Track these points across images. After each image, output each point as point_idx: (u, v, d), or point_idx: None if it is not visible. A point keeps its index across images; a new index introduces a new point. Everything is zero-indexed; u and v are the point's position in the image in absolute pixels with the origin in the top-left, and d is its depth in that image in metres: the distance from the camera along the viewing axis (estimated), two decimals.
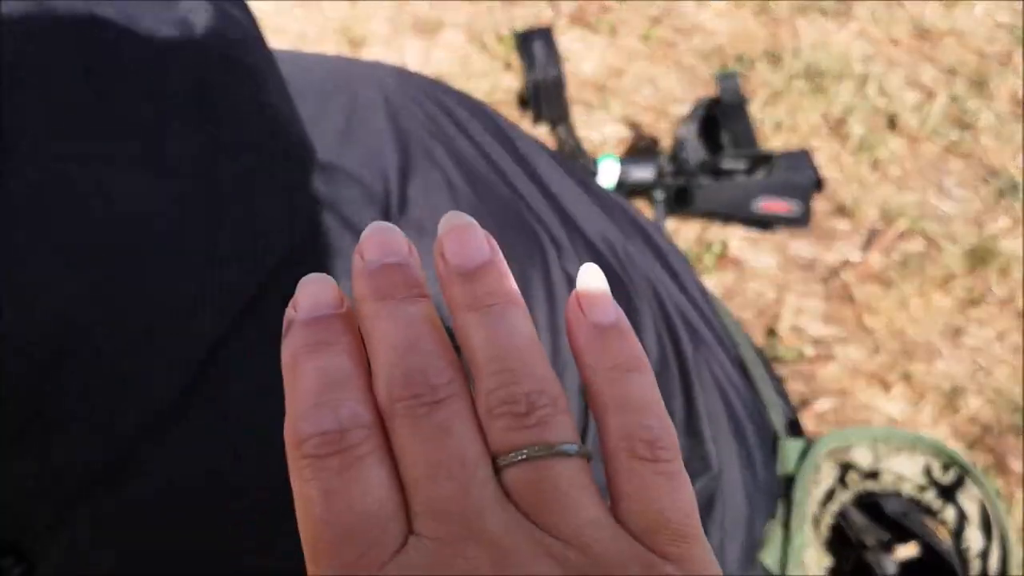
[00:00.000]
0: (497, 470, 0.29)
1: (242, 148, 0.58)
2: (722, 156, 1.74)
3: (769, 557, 0.77)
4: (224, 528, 0.57)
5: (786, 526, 0.78)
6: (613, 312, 0.32)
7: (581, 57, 2.26)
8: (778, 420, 0.84)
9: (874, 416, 1.72)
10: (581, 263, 0.74)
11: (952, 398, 1.73)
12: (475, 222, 0.33)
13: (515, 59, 2.26)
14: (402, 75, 0.77)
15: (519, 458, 0.29)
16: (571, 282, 0.71)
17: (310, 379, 0.30)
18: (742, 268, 1.91)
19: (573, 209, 0.78)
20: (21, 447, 0.54)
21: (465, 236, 0.32)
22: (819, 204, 1.98)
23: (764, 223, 1.94)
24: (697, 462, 0.75)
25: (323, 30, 2.21)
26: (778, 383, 0.90)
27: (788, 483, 0.79)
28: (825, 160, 2.08)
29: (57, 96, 0.53)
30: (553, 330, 0.68)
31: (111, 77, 0.55)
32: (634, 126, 2.16)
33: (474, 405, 0.30)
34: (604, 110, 2.17)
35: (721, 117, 1.76)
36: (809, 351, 1.80)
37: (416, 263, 0.32)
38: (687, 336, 0.78)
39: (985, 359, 1.78)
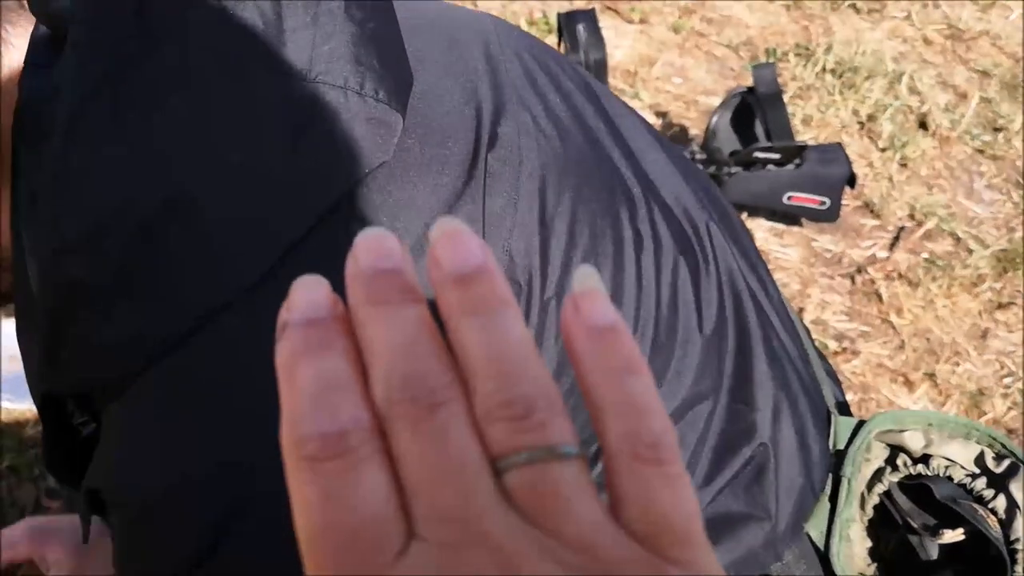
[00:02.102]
0: (497, 473, 0.29)
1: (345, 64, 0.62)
2: (755, 146, 1.73)
3: (814, 529, 0.77)
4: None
5: (833, 500, 0.77)
6: (610, 314, 0.31)
7: (612, 44, 2.25)
8: (830, 398, 0.83)
9: None
10: (655, 223, 0.73)
11: (977, 400, 1.72)
12: (467, 227, 0.32)
13: (550, 41, 2.24)
14: (500, 25, 0.78)
15: (519, 461, 0.29)
16: (640, 240, 0.71)
17: (308, 382, 0.30)
18: (767, 259, 1.90)
19: (653, 171, 0.78)
20: (115, 308, 0.59)
21: (458, 241, 0.32)
22: (846, 200, 1.97)
23: (791, 216, 1.93)
24: (741, 430, 0.75)
25: None
26: (827, 363, 0.89)
27: (838, 459, 0.78)
28: (854, 157, 2.06)
29: None
30: (616, 286, 0.68)
31: None
32: (663, 114, 2.14)
33: (471, 409, 0.30)
34: (634, 97, 2.16)
35: (756, 107, 1.75)
36: (833, 345, 1.79)
37: (410, 268, 0.32)
38: (752, 305, 0.78)
39: (1012, 362, 1.77)
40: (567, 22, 1.62)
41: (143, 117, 0.57)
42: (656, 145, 0.81)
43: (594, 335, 0.31)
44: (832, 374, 0.88)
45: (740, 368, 0.75)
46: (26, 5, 0.66)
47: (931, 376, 1.75)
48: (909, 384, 1.75)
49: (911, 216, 2.00)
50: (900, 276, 1.89)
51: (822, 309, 1.84)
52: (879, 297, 1.86)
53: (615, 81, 2.17)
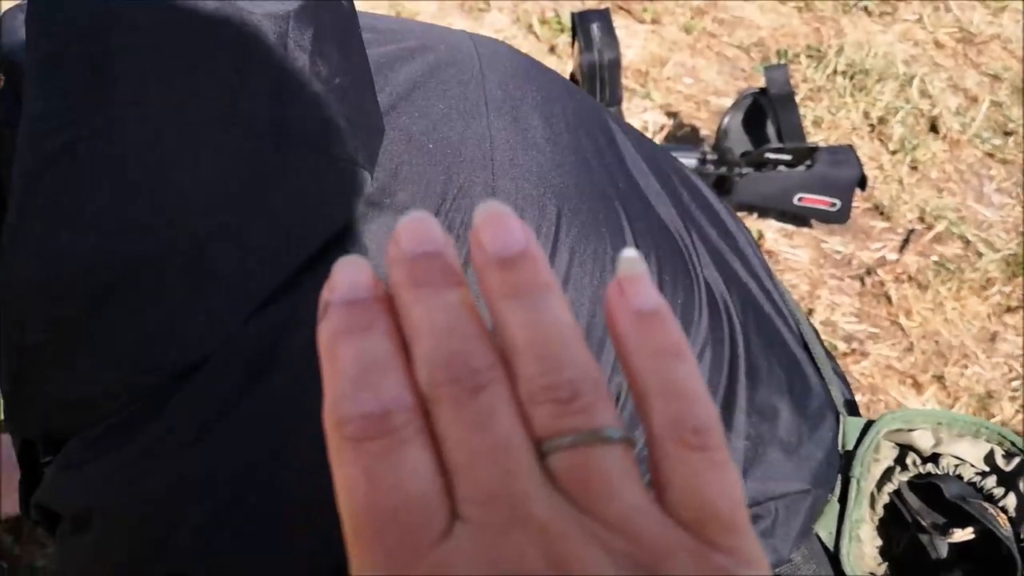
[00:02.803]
0: (541, 456, 0.29)
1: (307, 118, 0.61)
2: (766, 147, 1.73)
3: (823, 530, 0.77)
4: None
5: (843, 501, 0.77)
6: (655, 297, 0.32)
7: (624, 44, 2.25)
8: (838, 398, 0.83)
9: None
10: (636, 236, 0.74)
11: (985, 402, 1.72)
12: (511, 211, 0.32)
13: (560, 42, 2.25)
14: (504, 62, 0.78)
15: (564, 444, 0.29)
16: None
17: (350, 362, 0.30)
18: (777, 260, 1.90)
19: (648, 192, 0.79)
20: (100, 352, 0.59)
21: (502, 224, 0.32)
22: (856, 202, 1.97)
23: (801, 217, 1.93)
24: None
25: (374, 6, 2.21)
26: (835, 363, 0.90)
27: (847, 459, 0.79)
28: (864, 159, 2.06)
29: (156, 48, 0.58)
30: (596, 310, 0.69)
31: (200, 35, 0.59)
32: (674, 114, 2.15)
33: (515, 391, 0.30)
34: (645, 97, 2.17)
35: (768, 108, 1.75)
36: (842, 346, 1.80)
37: (452, 251, 0.32)
38: (752, 318, 0.78)
39: (1020, 365, 1.77)
40: (581, 21, 1.63)
41: (100, 182, 0.57)
42: (642, 159, 0.82)
43: (639, 319, 0.31)
44: (840, 374, 0.88)
45: (728, 390, 0.76)
46: None
47: (939, 378, 1.75)
48: (917, 386, 1.75)
49: (921, 219, 2.00)
50: (909, 278, 1.90)
51: (831, 310, 1.84)
52: (888, 299, 1.87)
53: (626, 81, 2.17)
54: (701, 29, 2.35)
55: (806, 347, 0.85)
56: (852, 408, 0.85)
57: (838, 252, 1.94)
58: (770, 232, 1.94)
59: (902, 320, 1.83)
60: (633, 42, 2.28)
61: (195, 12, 0.59)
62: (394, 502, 0.28)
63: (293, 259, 0.59)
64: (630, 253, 0.32)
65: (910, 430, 0.78)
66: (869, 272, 1.91)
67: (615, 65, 1.58)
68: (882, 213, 2.01)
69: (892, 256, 1.94)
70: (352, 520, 0.28)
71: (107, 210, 0.57)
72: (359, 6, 0.70)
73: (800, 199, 1.82)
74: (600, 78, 1.58)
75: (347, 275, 0.32)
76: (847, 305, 1.86)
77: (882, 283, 1.89)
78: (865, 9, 2.47)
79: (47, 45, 0.59)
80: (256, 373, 0.59)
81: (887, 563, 0.79)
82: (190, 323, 0.58)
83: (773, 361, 0.79)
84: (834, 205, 1.83)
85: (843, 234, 1.96)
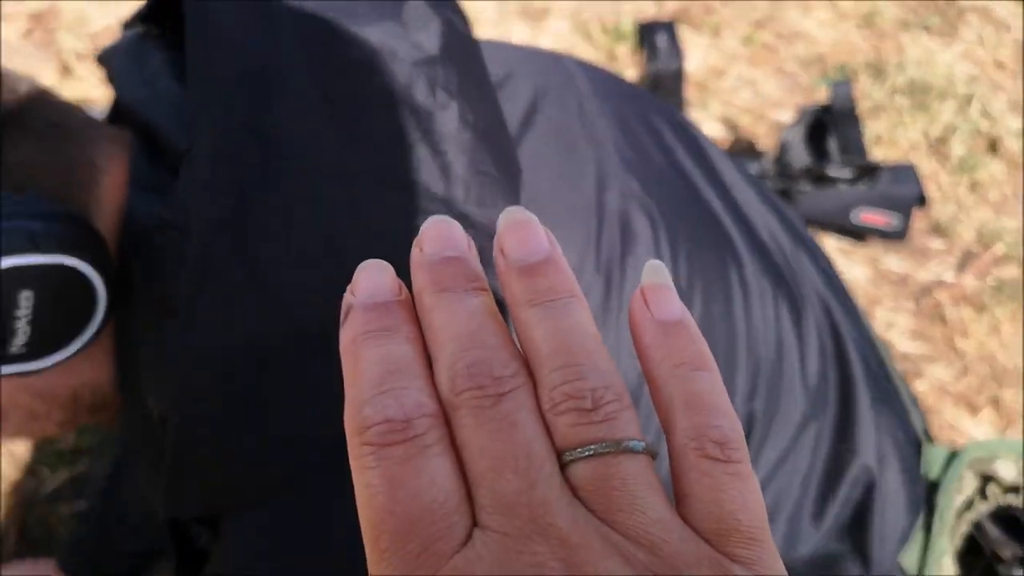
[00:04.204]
0: (562, 465, 0.29)
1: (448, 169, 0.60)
2: (827, 163, 1.73)
3: (907, 559, 0.77)
4: None
5: (927, 530, 0.77)
6: (679, 309, 0.31)
7: (683, 54, 2.26)
8: (918, 424, 0.83)
9: (959, 437, 1.70)
10: (756, 267, 0.74)
11: None
12: (535, 218, 0.32)
13: (620, 50, 2.26)
14: (589, 73, 0.77)
15: (586, 454, 0.28)
16: (747, 288, 0.71)
17: (373, 366, 0.30)
18: None
19: (745, 207, 0.78)
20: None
21: (525, 231, 0.32)
22: (915, 221, 1.96)
23: (859, 234, 1.92)
24: (843, 473, 0.75)
25: None
26: (908, 388, 0.90)
27: (931, 488, 0.79)
28: (924, 178, 2.05)
29: (315, 104, 0.58)
30: (730, 334, 0.69)
31: (351, 91, 0.59)
32: (732, 127, 2.15)
33: (537, 399, 0.30)
34: (703, 109, 2.17)
35: (831, 124, 1.75)
36: (896, 366, 1.78)
37: (475, 257, 0.32)
38: (852, 342, 0.78)
39: None
40: (647, 32, 1.63)
41: (268, 251, 0.57)
42: (743, 179, 0.81)
43: (663, 330, 0.31)
44: (914, 400, 0.88)
45: (843, 412, 0.75)
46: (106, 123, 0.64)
47: (995, 401, 1.74)
48: (972, 408, 1.74)
49: (979, 240, 1.98)
50: (966, 300, 1.88)
51: (887, 329, 1.83)
52: (944, 320, 1.85)
53: (684, 91, 2.17)
54: (760, 43, 2.35)
55: (888, 378, 0.86)
56: (927, 437, 0.85)
57: (895, 272, 1.93)
58: (827, 249, 1.93)
59: (958, 341, 1.82)
60: (692, 53, 2.28)
61: (346, 68, 0.58)
62: (415, 509, 0.27)
63: None
64: (654, 263, 0.32)
65: (993, 459, 0.78)
66: (926, 292, 1.90)
67: (678, 76, 1.59)
68: (940, 233, 2.00)
69: (949, 276, 1.93)
70: (372, 525, 0.28)
71: (278, 278, 0.56)
72: None
73: (859, 216, 1.81)
74: (664, 88, 1.59)
75: (370, 278, 0.32)
76: (902, 325, 1.85)
77: (938, 304, 1.88)
78: (925, 27, 2.45)
79: (206, 113, 0.57)
80: None
81: None
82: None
83: (876, 398, 0.79)
84: (893, 223, 1.82)
85: (900, 253, 1.95)
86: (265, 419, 0.58)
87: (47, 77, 2.02)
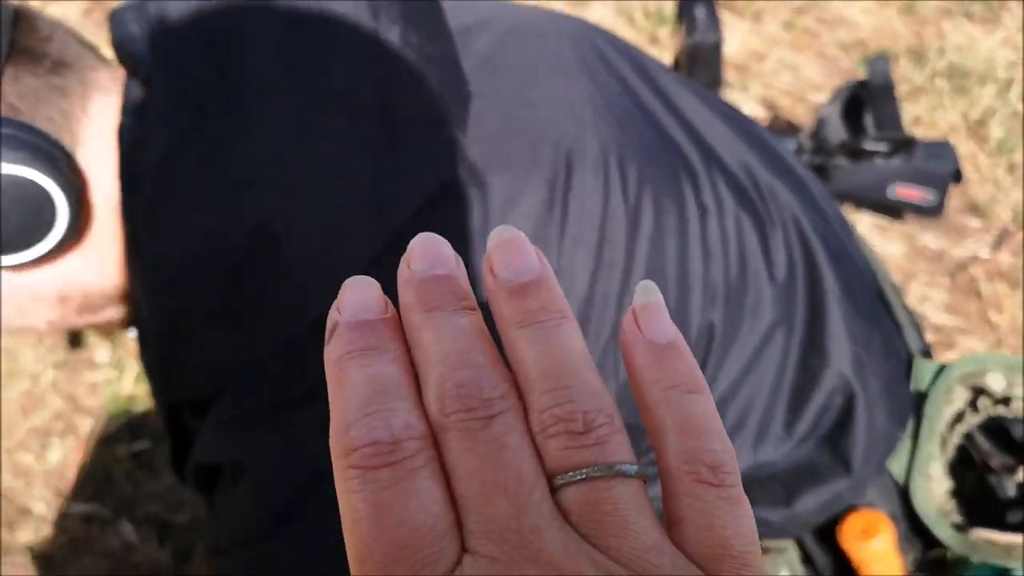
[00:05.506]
0: (553, 489, 0.28)
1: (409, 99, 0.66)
2: (864, 137, 1.76)
3: (896, 465, 0.81)
4: None
5: (915, 438, 0.81)
6: (671, 330, 0.31)
7: (724, 38, 2.29)
8: (914, 344, 0.87)
9: None
10: (717, 189, 0.77)
11: None
12: (524, 236, 0.32)
13: (662, 33, 2.30)
14: (552, 13, 0.82)
15: (578, 478, 0.28)
16: (704, 211, 0.74)
17: (359, 386, 0.29)
18: None
19: (715, 142, 0.81)
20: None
21: (515, 250, 0.31)
22: (952, 201, 1.98)
23: (895, 211, 1.95)
24: (814, 381, 0.78)
25: None
26: (911, 316, 0.93)
27: (920, 400, 0.82)
28: (962, 159, 2.07)
29: (269, 52, 0.65)
30: (682, 257, 0.72)
31: (304, 35, 0.66)
32: (772, 108, 2.18)
33: (527, 422, 0.29)
34: (743, 90, 2.21)
35: (868, 99, 1.78)
36: (929, 338, 1.81)
37: (464, 275, 0.31)
38: (826, 257, 0.80)
39: None
40: (686, 6, 1.68)
41: (223, 160, 0.62)
42: (721, 118, 0.84)
43: (654, 351, 0.31)
44: (915, 323, 0.92)
45: (812, 320, 0.78)
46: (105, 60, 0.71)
47: None
48: None
49: (1015, 220, 2.00)
50: (1001, 276, 1.90)
51: (921, 302, 1.86)
52: (978, 295, 1.88)
53: (725, 73, 2.21)
54: (802, 28, 2.38)
55: (882, 298, 0.89)
56: (926, 355, 0.88)
57: (931, 248, 1.96)
58: (862, 226, 1.96)
59: (991, 315, 1.84)
60: (733, 37, 2.32)
61: (296, 13, 0.65)
62: (402, 534, 0.27)
63: (402, 215, 0.63)
64: (646, 283, 0.32)
65: (983, 373, 0.82)
66: (961, 268, 1.92)
67: (716, 48, 1.63)
68: (977, 213, 2.02)
69: (985, 254, 1.95)
70: (358, 551, 0.27)
71: (232, 189, 0.62)
72: None
73: (896, 191, 1.84)
74: (702, 61, 1.63)
75: (355, 294, 0.31)
76: (937, 299, 1.88)
77: (973, 279, 1.90)
78: (967, 15, 2.47)
79: (174, 54, 0.65)
80: None
81: (956, 501, 0.82)
82: (320, 280, 0.62)
83: (852, 310, 0.82)
84: (929, 198, 1.84)
85: (936, 231, 1.98)
86: (225, 315, 0.64)
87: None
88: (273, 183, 0.63)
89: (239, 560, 0.67)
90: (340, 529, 0.28)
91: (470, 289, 0.31)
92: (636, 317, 0.31)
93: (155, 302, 0.66)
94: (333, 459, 0.28)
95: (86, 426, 1.47)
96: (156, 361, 0.69)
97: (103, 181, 0.64)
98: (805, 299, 0.78)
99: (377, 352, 0.30)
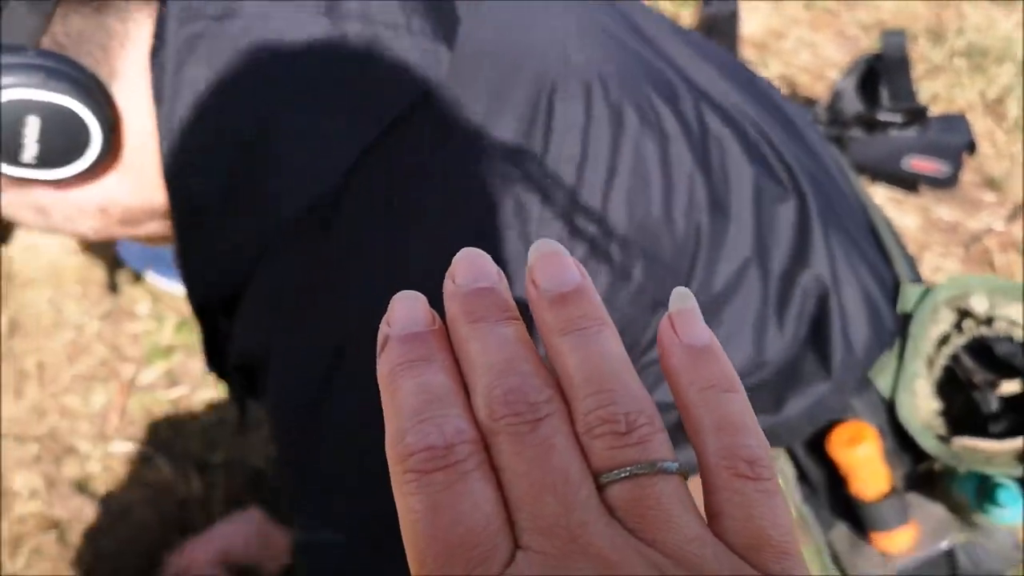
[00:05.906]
0: (599, 487, 0.30)
1: None
2: (879, 108, 1.80)
3: (881, 381, 0.85)
4: None
5: (900, 356, 0.85)
6: (706, 334, 0.33)
7: (744, 18, 2.34)
8: (903, 272, 0.91)
9: None
10: (701, 112, 0.80)
11: None
12: (564, 248, 0.34)
13: (684, 14, 2.35)
14: None
15: (622, 476, 0.29)
16: (688, 126, 0.77)
17: (412, 395, 0.31)
18: None
19: (704, 83, 0.84)
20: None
21: (556, 262, 0.33)
22: (967, 175, 2.02)
23: (910, 183, 1.99)
24: (790, 279, 0.81)
25: None
26: (904, 251, 0.96)
27: (906, 321, 0.87)
28: (979, 136, 2.11)
29: None
30: (664, 161, 0.75)
31: None
32: (791, 86, 2.23)
33: (572, 424, 0.31)
34: (763, 67, 2.25)
35: (882, 72, 1.82)
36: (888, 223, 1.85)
37: (506, 287, 0.33)
38: (811, 188, 0.83)
39: None
40: None
41: (227, 61, 0.67)
42: (696, 54, 0.86)
43: (691, 354, 0.33)
44: (908, 257, 0.96)
45: (798, 236, 0.82)
46: None
47: None
48: None
49: None
50: (1015, 247, 1.94)
51: (935, 272, 1.90)
52: (992, 265, 1.92)
53: (745, 51, 2.26)
54: (822, 7, 2.43)
55: (873, 231, 0.93)
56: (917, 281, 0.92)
57: (945, 220, 2.00)
58: (878, 199, 2.00)
59: None
60: (753, 16, 2.37)
61: None
62: (458, 533, 0.28)
63: (386, 115, 0.68)
64: (681, 290, 0.34)
65: (967, 295, 0.86)
66: (975, 239, 1.96)
67: (732, 17, 1.68)
68: (993, 187, 2.06)
69: (999, 226, 1.99)
70: (417, 550, 0.29)
71: (233, 79, 0.68)
72: None
73: (910, 163, 1.88)
74: (719, 29, 1.68)
75: (405, 309, 0.33)
76: (951, 269, 1.92)
77: (987, 250, 1.94)
78: None
79: None
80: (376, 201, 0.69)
81: (944, 419, 0.86)
82: (308, 171, 0.68)
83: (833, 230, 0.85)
84: (943, 169, 1.88)
85: (951, 204, 2.02)
86: (241, 200, 0.69)
87: None
88: (268, 71, 0.68)
89: (296, 433, 0.74)
90: (376, 386, 0.32)
91: (512, 300, 0.33)
92: (673, 322, 0.33)
93: (172, 192, 0.71)
94: (391, 466, 0.30)
95: (128, 373, 1.54)
96: (176, 254, 0.75)
97: (138, 110, 0.70)
98: (793, 213, 0.82)
99: (427, 362, 0.31)
